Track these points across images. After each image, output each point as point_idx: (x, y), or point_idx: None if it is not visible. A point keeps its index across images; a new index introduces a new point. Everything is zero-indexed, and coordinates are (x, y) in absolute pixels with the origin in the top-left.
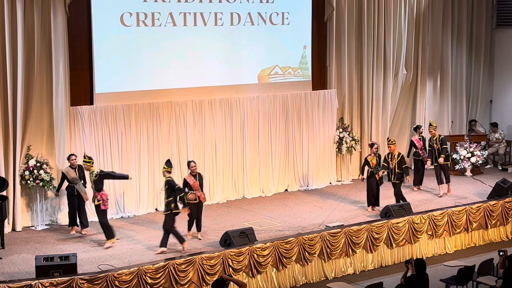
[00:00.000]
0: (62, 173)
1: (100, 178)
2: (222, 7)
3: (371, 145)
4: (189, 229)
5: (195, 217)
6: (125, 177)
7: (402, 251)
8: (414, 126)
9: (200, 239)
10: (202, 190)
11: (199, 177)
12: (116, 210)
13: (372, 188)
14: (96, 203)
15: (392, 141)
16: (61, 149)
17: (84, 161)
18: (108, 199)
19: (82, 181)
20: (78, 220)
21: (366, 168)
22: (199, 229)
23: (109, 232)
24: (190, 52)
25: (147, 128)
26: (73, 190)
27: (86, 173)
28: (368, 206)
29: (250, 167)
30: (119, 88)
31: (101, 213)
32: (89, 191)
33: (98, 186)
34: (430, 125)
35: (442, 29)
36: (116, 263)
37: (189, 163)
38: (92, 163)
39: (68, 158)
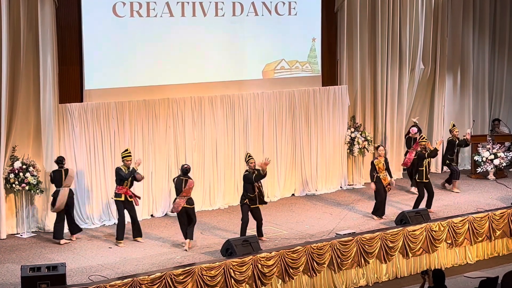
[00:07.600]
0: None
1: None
2: None
3: (377, 148)
4: (186, 237)
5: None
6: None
7: (419, 261)
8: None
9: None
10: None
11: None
12: (108, 216)
13: (380, 194)
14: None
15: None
16: (49, 150)
17: (128, 154)
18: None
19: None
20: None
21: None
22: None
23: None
24: (189, 45)
25: (142, 127)
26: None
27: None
28: (373, 214)
29: None
30: (111, 84)
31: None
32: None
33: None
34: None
35: (463, 20)
36: (108, 273)
37: (183, 166)
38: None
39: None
